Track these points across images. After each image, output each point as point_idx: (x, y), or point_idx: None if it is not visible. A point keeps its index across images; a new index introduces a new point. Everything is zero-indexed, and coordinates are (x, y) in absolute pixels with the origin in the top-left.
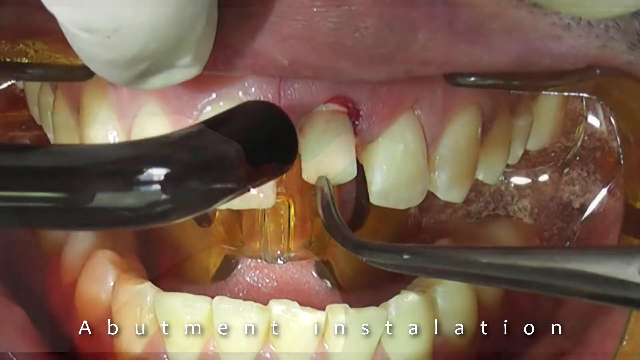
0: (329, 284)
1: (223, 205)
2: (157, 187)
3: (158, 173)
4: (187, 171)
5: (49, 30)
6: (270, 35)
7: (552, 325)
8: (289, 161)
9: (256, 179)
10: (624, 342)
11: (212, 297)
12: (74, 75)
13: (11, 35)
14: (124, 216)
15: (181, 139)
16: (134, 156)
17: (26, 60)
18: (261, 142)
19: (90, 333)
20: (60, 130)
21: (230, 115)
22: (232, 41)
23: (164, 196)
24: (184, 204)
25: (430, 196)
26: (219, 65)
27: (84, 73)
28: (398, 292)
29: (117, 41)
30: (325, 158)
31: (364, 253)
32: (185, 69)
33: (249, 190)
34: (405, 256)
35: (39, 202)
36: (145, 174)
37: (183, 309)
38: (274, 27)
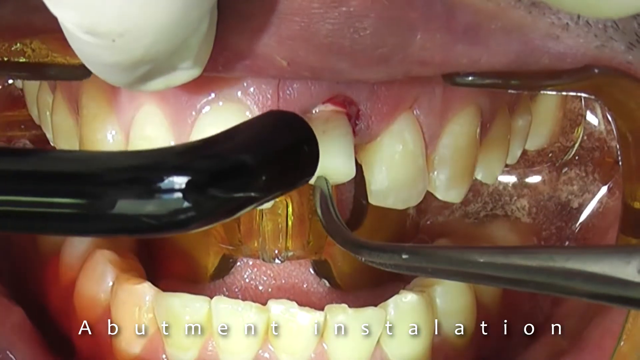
0: (327, 284)
1: None
2: (179, 194)
3: (179, 181)
4: (209, 179)
5: (48, 29)
6: (268, 37)
7: (551, 325)
8: (311, 171)
9: (277, 189)
10: (622, 342)
11: (210, 297)
12: (71, 74)
13: (10, 35)
14: (146, 223)
15: (202, 147)
16: (155, 163)
17: (24, 60)
18: (282, 151)
19: (89, 333)
20: (59, 130)
21: (251, 124)
22: (231, 43)
23: (185, 204)
24: (206, 212)
25: (428, 197)
26: (218, 66)
27: (82, 72)
28: (397, 292)
29: (123, 44)
30: (324, 158)
31: (363, 253)
32: (186, 71)
33: (270, 199)
34: (404, 256)
35: (59, 208)
36: (166, 181)
37: (182, 309)
38: (273, 28)
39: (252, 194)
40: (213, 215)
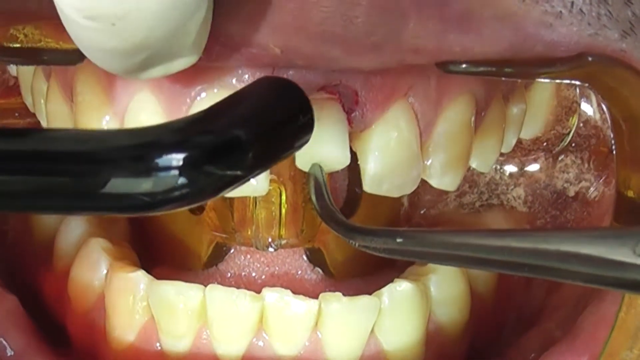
0: (320, 272)
1: None
2: (176, 172)
3: (177, 157)
4: (204, 155)
5: (42, 15)
6: (262, 25)
7: (545, 314)
8: (305, 141)
9: (273, 160)
10: (615, 331)
11: (204, 285)
12: (65, 59)
13: (3, 21)
14: (141, 201)
15: (194, 124)
16: (151, 141)
17: (17, 45)
18: (279, 123)
19: (83, 321)
20: (54, 118)
21: (247, 93)
22: (225, 30)
23: (181, 180)
24: (201, 188)
25: (422, 188)
26: (212, 55)
27: (76, 57)
28: (391, 281)
29: (122, 28)
30: (319, 145)
31: (357, 238)
32: (183, 58)
33: (265, 170)
34: (399, 240)
35: (56, 187)
36: (164, 158)
37: (176, 296)
38: (266, 16)
39: (245, 169)
40: (208, 191)
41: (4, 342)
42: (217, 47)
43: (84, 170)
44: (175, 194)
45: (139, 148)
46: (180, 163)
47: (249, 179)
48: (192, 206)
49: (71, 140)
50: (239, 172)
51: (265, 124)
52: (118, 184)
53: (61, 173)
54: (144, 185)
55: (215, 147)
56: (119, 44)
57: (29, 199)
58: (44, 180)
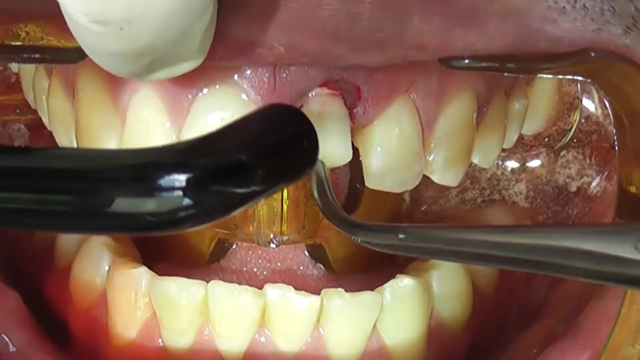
0: (322, 268)
1: None
2: (179, 192)
3: (180, 178)
4: (209, 176)
5: (44, 14)
6: (266, 23)
7: (546, 310)
8: (310, 164)
9: (276, 183)
10: (617, 327)
11: (206, 281)
12: (67, 57)
13: (5, 19)
14: (147, 221)
15: (201, 144)
16: (155, 161)
17: (18, 43)
18: (280, 146)
19: (84, 317)
20: (55, 114)
21: (249, 119)
22: (229, 31)
23: (186, 201)
24: (206, 209)
25: (423, 185)
26: (215, 55)
27: (77, 55)
28: (393, 277)
29: (130, 32)
30: (321, 141)
31: (359, 233)
32: (189, 61)
33: (270, 194)
34: (401, 235)
35: (59, 206)
36: (167, 179)
37: (178, 293)
38: (270, 14)
39: (252, 190)
40: (212, 213)
41: (6, 338)
42: (221, 48)
43: (90, 189)
44: (180, 215)
45: (143, 168)
46: (184, 184)
47: (259, 199)
48: (204, 226)
49: (77, 158)
50: (248, 191)
51: (268, 147)
52: (123, 204)
53: (66, 192)
54: (149, 205)
55: (218, 168)
56: (126, 48)
57: (32, 217)
58: (48, 199)
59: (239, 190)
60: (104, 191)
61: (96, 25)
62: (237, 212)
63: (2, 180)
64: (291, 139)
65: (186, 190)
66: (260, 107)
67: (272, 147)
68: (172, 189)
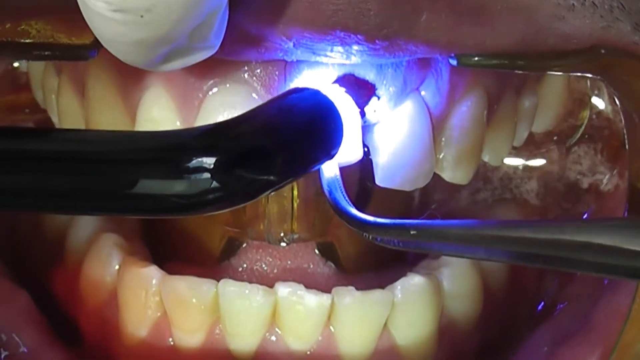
0: (332, 266)
1: None
2: (207, 174)
3: (208, 161)
4: (236, 159)
5: (55, 9)
6: (275, 17)
7: (557, 307)
8: (334, 149)
9: (301, 168)
10: (629, 324)
11: (217, 279)
12: (76, 55)
13: (16, 15)
14: (175, 203)
15: (227, 128)
16: (183, 143)
17: (28, 40)
18: (305, 132)
19: (95, 316)
20: (65, 113)
21: (274, 104)
22: (239, 24)
23: (214, 184)
24: (233, 192)
25: (434, 187)
26: (225, 48)
27: (87, 52)
28: (403, 275)
29: (150, 21)
30: None
31: (371, 231)
32: (203, 50)
33: (292, 181)
34: (412, 232)
35: (91, 188)
36: (195, 161)
37: (189, 291)
38: (279, 8)
39: (274, 176)
40: (240, 196)
41: (17, 339)
42: (231, 40)
43: (120, 172)
44: (209, 197)
45: (171, 150)
46: (212, 166)
47: (281, 186)
48: (225, 210)
49: (105, 142)
50: (271, 177)
51: (290, 133)
52: (149, 185)
53: (96, 174)
54: (177, 187)
55: (246, 152)
56: (144, 36)
57: (63, 199)
58: (78, 181)
59: (263, 175)
60: (129, 173)
61: (117, 13)
62: (261, 197)
63: (26, 163)
64: (315, 125)
65: (214, 172)
66: (284, 92)
67: (295, 133)
68: (200, 170)
